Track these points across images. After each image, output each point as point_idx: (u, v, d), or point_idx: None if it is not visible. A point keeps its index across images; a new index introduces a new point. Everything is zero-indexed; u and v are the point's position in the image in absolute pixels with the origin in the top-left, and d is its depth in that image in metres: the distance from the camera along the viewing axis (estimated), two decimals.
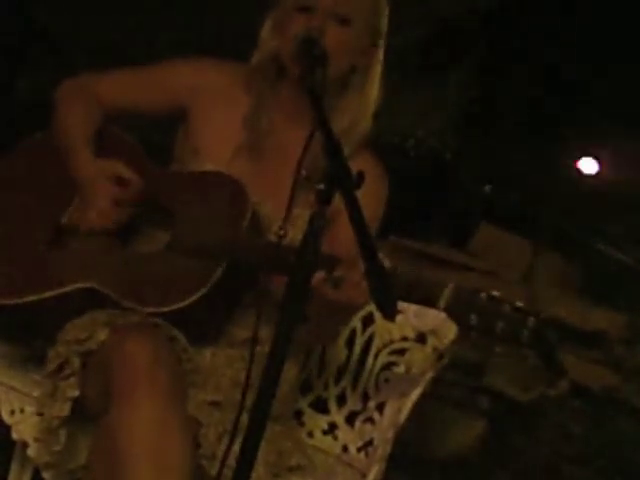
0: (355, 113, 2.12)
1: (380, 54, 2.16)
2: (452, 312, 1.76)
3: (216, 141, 2.13)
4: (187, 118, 2.19)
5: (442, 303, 1.71)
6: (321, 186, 1.61)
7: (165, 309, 1.93)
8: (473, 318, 1.66)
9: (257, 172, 2.11)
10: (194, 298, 1.92)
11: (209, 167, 2.10)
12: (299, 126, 2.07)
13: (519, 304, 1.65)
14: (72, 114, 2.16)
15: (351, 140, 2.09)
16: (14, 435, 2.08)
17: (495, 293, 1.66)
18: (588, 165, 6.04)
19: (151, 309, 1.94)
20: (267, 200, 2.06)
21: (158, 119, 2.23)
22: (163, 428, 1.78)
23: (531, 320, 1.62)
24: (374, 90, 2.15)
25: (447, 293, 1.70)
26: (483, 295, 1.65)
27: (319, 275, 1.75)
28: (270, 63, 2.13)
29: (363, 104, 2.13)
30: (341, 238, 1.94)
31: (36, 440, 1.97)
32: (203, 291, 1.93)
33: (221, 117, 2.15)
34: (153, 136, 2.33)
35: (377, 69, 2.15)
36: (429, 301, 1.74)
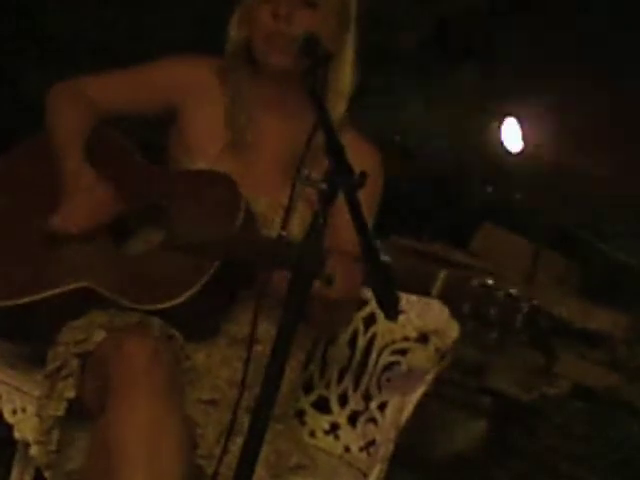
0: (330, 100, 2.11)
1: (351, 39, 2.15)
2: (445, 299, 1.76)
3: (206, 138, 2.14)
4: (177, 116, 2.19)
5: (435, 291, 1.72)
6: (324, 186, 1.61)
7: (160, 306, 1.94)
8: (466, 305, 1.66)
9: (245, 168, 2.11)
10: (189, 295, 1.93)
11: (201, 165, 2.10)
12: (279, 115, 2.09)
13: (512, 291, 1.65)
14: (64, 118, 2.15)
15: None
16: (16, 434, 2.08)
17: (488, 281, 1.67)
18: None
19: (147, 307, 1.94)
20: (259, 196, 2.06)
21: (150, 119, 2.24)
22: (159, 429, 1.78)
23: (524, 306, 1.62)
24: (347, 75, 2.15)
25: (440, 281, 1.71)
26: (475, 282, 1.66)
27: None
28: (240, 54, 2.13)
29: (337, 89, 2.13)
30: (338, 230, 1.95)
31: (35, 441, 1.97)
32: (197, 288, 1.93)
33: (207, 114, 2.16)
34: (149, 135, 2.33)
35: (349, 54, 2.15)
36: (422, 290, 1.74)
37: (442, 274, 1.71)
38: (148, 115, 2.23)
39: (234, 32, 2.14)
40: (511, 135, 6.09)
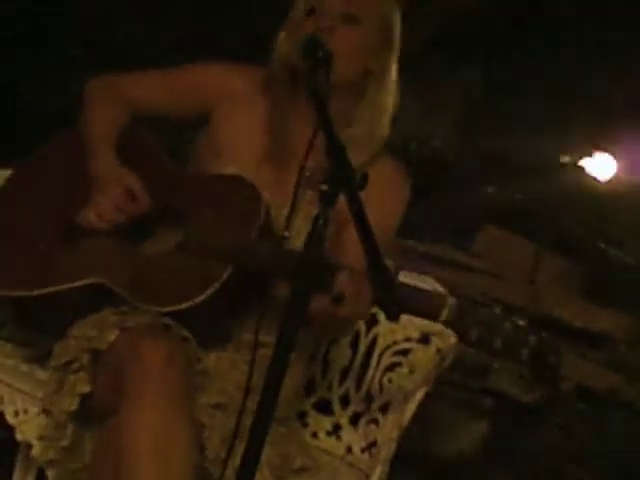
0: (373, 119, 2.11)
1: (394, 57, 2.15)
2: (452, 326, 1.75)
3: (238, 144, 2.14)
4: (210, 121, 2.20)
5: (443, 317, 1.71)
6: (325, 187, 1.61)
7: (169, 309, 1.94)
8: (473, 333, 1.66)
9: (280, 177, 2.11)
10: (197, 301, 1.93)
11: (231, 170, 2.10)
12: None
13: (520, 322, 1.65)
14: (99, 113, 2.18)
15: (370, 146, 2.09)
16: (18, 436, 2.08)
17: (497, 310, 1.66)
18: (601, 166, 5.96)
19: (156, 308, 1.94)
20: (288, 203, 2.06)
21: (182, 121, 2.24)
22: (169, 431, 1.78)
23: (532, 340, 1.62)
24: (391, 95, 2.14)
25: (448, 308, 1.70)
26: (484, 311, 1.65)
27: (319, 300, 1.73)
28: (285, 70, 2.12)
29: (380, 110, 2.12)
30: (347, 247, 1.95)
31: (41, 438, 1.97)
32: (207, 294, 1.93)
33: (243, 121, 2.16)
34: (169, 137, 2.34)
35: (392, 73, 2.14)
36: (431, 316, 1.74)
37: (451, 301, 1.71)
38: (180, 117, 2.24)
39: (279, 49, 2.14)
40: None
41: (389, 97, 2.13)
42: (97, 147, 2.12)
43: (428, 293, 1.75)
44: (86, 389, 1.91)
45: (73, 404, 1.91)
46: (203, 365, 1.96)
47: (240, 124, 2.16)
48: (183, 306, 1.92)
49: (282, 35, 2.15)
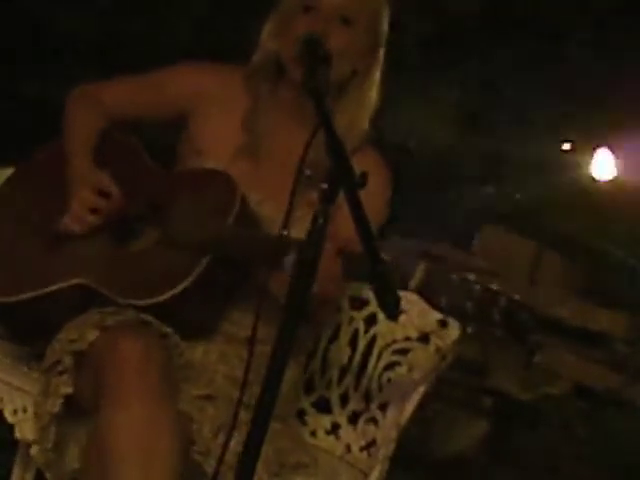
0: (354, 115, 2.14)
1: (380, 56, 2.17)
2: (422, 293, 1.76)
3: (218, 142, 2.16)
4: (189, 121, 2.21)
5: (413, 284, 1.72)
6: (325, 185, 1.61)
7: (150, 301, 1.95)
8: (443, 299, 1.67)
9: (258, 173, 2.12)
10: (175, 291, 1.94)
11: (212, 166, 2.11)
12: (299, 126, 2.08)
13: (491, 285, 1.65)
14: (76, 120, 2.21)
15: (349, 141, 2.10)
16: (17, 434, 2.08)
17: (468, 275, 1.67)
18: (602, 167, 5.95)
19: (138, 302, 1.96)
20: (268, 200, 2.07)
21: (162, 125, 2.26)
22: (152, 427, 1.78)
23: (502, 300, 1.63)
24: (373, 92, 2.17)
25: (418, 274, 1.71)
26: (454, 276, 1.66)
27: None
28: (270, 64, 2.13)
29: (362, 106, 2.15)
30: (339, 232, 1.96)
31: (34, 441, 1.97)
32: (184, 285, 1.94)
33: (222, 119, 2.17)
34: (157, 137, 2.35)
35: (377, 71, 2.17)
36: (401, 283, 1.74)
37: (421, 267, 1.72)
38: (159, 121, 2.27)
39: (266, 39, 2.15)
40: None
41: (372, 94, 2.16)
42: (72, 153, 2.16)
43: (397, 262, 1.76)
44: (68, 390, 1.91)
45: (56, 406, 1.91)
46: (185, 359, 1.97)
47: (218, 122, 2.17)
48: (162, 298, 1.94)
49: (268, 30, 2.15)
